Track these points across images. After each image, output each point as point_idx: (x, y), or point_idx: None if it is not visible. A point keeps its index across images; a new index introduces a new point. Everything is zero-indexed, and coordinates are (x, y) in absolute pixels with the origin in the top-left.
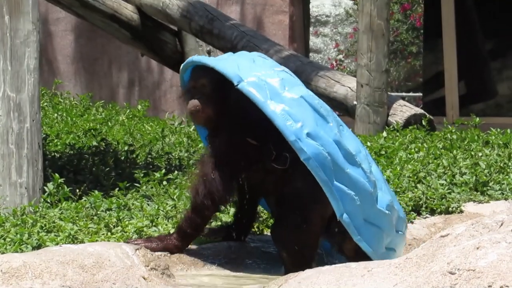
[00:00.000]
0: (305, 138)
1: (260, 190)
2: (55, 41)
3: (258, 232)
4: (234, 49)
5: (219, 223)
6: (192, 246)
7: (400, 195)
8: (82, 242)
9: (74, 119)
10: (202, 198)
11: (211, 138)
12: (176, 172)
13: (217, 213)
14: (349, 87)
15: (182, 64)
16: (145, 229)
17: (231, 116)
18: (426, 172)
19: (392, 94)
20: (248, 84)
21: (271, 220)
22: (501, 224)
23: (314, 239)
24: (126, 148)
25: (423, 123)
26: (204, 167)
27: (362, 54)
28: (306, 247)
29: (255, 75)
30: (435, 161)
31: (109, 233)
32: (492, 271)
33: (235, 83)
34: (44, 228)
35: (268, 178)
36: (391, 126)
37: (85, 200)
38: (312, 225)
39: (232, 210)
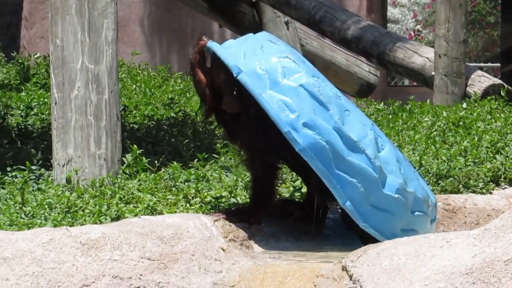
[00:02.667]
0: (302, 128)
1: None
2: (133, 13)
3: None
4: (312, 20)
5: (297, 198)
6: (271, 219)
7: (478, 166)
8: (160, 213)
9: (152, 90)
10: (257, 170)
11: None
12: None
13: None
14: (427, 58)
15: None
16: (223, 200)
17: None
18: (504, 143)
19: (470, 64)
20: (246, 75)
21: None
22: None
23: None
24: None
25: (502, 93)
26: (248, 140)
27: (440, 25)
28: None
29: (257, 64)
30: None
31: (187, 205)
32: None
33: (234, 75)
34: (123, 200)
35: None
36: (470, 98)
37: (163, 172)
38: None
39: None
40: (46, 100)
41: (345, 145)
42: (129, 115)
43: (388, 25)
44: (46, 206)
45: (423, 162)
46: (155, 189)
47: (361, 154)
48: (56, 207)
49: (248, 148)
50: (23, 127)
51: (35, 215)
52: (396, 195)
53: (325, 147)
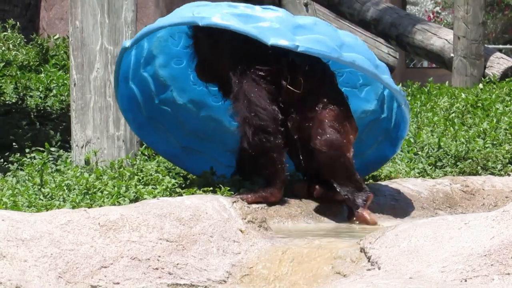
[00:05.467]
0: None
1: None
2: None
3: None
4: (331, 2)
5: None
6: (289, 200)
7: (497, 148)
8: (179, 195)
9: None
10: (254, 137)
11: (233, 75)
12: None
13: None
14: (446, 40)
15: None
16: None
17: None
18: None
19: (489, 46)
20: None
21: None
22: None
23: None
24: None
25: None
26: (238, 108)
27: (459, 7)
28: None
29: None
30: None
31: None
32: None
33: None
34: (141, 181)
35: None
36: (488, 78)
37: None
38: None
39: None
40: (65, 81)
41: None
42: None
43: (407, 7)
44: (65, 188)
45: (441, 143)
46: (174, 171)
47: None
48: (74, 189)
49: (244, 119)
50: (42, 108)
51: (53, 197)
52: None
53: None
